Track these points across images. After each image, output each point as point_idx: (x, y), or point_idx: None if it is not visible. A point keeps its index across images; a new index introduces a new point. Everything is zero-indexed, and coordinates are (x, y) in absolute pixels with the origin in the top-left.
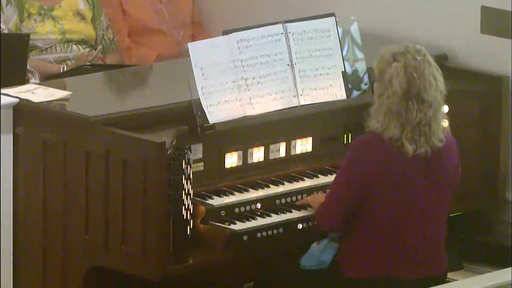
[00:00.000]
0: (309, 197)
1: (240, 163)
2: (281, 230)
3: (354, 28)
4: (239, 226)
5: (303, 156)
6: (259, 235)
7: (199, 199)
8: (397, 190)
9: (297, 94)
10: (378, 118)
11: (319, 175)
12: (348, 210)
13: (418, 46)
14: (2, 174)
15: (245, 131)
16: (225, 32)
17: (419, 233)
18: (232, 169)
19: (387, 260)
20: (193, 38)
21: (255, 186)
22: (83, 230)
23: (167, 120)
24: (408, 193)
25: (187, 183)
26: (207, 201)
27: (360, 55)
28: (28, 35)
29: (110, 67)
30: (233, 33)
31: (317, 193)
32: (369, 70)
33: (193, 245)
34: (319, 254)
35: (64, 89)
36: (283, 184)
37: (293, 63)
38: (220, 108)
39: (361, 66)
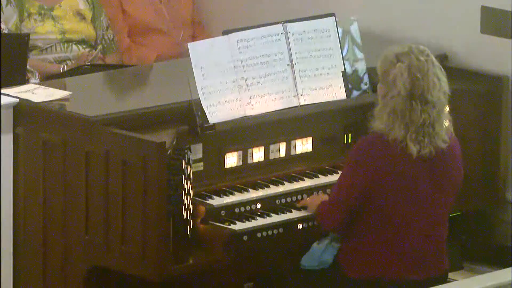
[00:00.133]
0: (307, 198)
1: (240, 163)
2: (281, 230)
3: (354, 28)
4: (239, 226)
5: (303, 156)
6: (259, 235)
7: (199, 199)
8: (400, 191)
9: (297, 94)
10: (382, 118)
11: (319, 175)
12: (351, 210)
13: (422, 47)
14: (2, 174)
15: (245, 131)
16: (225, 32)
17: (421, 234)
18: (232, 169)
19: (389, 261)
20: (193, 38)
21: (255, 186)
22: (83, 230)
23: (167, 120)
24: (411, 194)
25: (187, 183)
26: (207, 201)
27: (360, 55)
28: (28, 35)
29: (110, 67)
30: (233, 33)
31: (317, 193)
32: (369, 70)
33: (193, 245)
34: (320, 254)
35: (64, 89)
36: (283, 184)
37: (293, 63)
38: (220, 108)
39: (361, 66)
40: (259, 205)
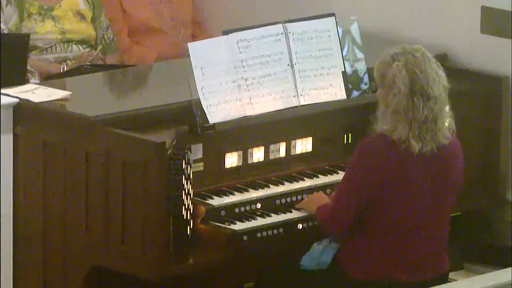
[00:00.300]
0: (305, 199)
1: (240, 163)
2: (281, 230)
3: (354, 28)
4: (239, 226)
5: (303, 156)
6: (259, 235)
7: (199, 199)
8: (403, 192)
9: (297, 94)
10: (385, 119)
11: (319, 175)
12: (355, 213)
13: (415, 46)
14: (2, 174)
15: (245, 131)
16: (225, 32)
17: (422, 235)
18: (232, 169)
19: (390, 262)
20: (193, 38)
21: (255, 186)
22: (83, 230)
23: (167, 120)
24: (413, 196)
25: (187, 183)
26: (207, 201)
27: (360, 55)
28: (28, 35)
29: (110, 67)
30: (233, 33)
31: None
32: (369, 70)
33: (193, 245)
34: (319, 254)
35: (64, 89)
36: (283, 184)
37: (293, 63)
38: (220, 108)
39: (361, 66)
40: (259, 205)
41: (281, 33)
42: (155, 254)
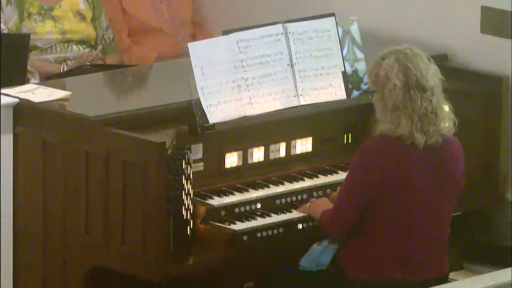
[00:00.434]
0: (307, 204)
1: (240, 163)
2: (281, 230)
3: (354, 28)
4: (239, 226)
5: (303, 156)
6: (259, 235)
7: (199, 199)
8: (404, 192)
9: (297, 94)
10: (386, 119)
11: (319, 175)
12: (358, 215)
13: (405, 45)
14: (2, 174)
15: (245, 131)
16: (225, 32)
17: (424, 235)
18: (232, 169)
19: (390, 262)
20: (193, 38)
21: (255, 186)
22: (83, 230)
23: (167, 120)
24: (414, 196)
25: (187, 183)
26: (207, 201)
27: (360, 55)
28: (28, 35)
29: (110, 67)
30: (233, 33)
31: (316, 193)
32: None
33: (193, 245)
34: (318, 255)
35: (64, 89)
36: (283, 184)
37: (293, 63)
38: (220, 108)
39: (361, 66)
40: (259, 205)
41: (281, 33)
42: (155, 254)
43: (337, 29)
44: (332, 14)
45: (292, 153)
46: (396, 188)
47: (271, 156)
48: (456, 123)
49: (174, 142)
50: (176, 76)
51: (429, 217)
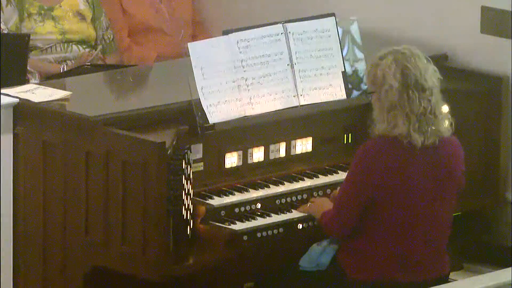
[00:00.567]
0: (308, 204)
1: (240, 163)
2: (281, 230)
3: (354, 28)
4: (239, 226)
5: (303, 156)
6: (259, 235)
7: (199, 199)
8: (404, 193)
9: (297, 94)
10: (383, 119)
11: (319, 175)
12: (358, 216)
13: (403, 46)
14: (2, 174)
15: (245, 131)
16: (225, 32)
17: (424, 236)
18: (232, 169)
19: (391, 263)
20: (193, 38)
21: (255, 186)
22: (83, 230)
23: (167, 120)
24: (414, 196)
25: (187, 183)
26: (207, 201)
27: (360, 55)
28: (28, 35)
29: (110, 67)
30: (233, 33)
31: (316, 193)
32: None
33: (193, 245)
34: (318, 255)
35: (64, 89)
36: (283, 184)
37: (293, 63)
38: (220, 108)
39: (361, 66)
40: (259, 205)
41: (281, 33)
42: (155, 254)
43: (337, 29)
44: (332, 14)
45: (292, 153)
46: (396, 189)
47: (271, 156)
48: (453, 123)
49: (174, 142)
50: (176, 76)
51: (429, 217)
